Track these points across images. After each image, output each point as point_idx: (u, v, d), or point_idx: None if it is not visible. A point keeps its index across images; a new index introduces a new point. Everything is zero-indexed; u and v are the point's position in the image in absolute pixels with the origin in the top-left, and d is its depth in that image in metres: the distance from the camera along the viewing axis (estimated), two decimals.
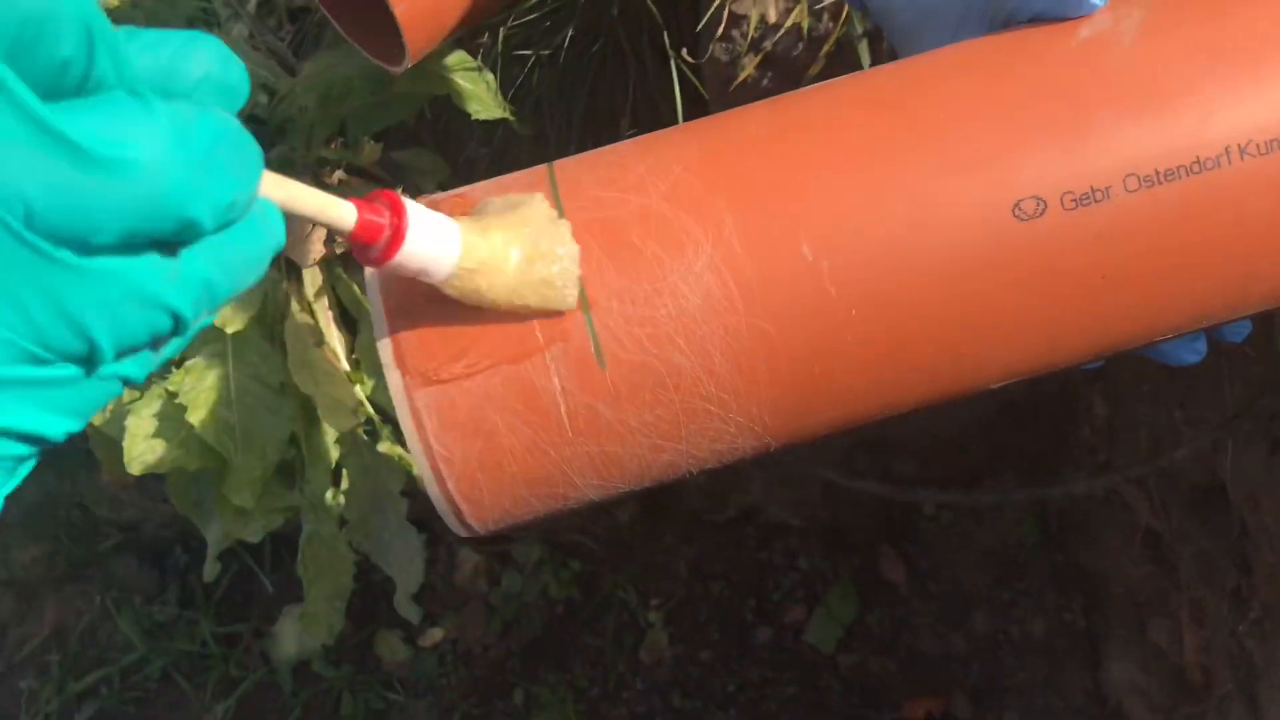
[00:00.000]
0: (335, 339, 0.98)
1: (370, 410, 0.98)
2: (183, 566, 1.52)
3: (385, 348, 0.38)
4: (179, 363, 0.92)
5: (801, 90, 0.42)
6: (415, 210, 0.34)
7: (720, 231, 0.38)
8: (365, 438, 0.99)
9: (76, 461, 1.35)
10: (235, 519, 0.92)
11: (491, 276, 0.36)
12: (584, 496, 0.40)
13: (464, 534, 0.41)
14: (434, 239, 0.34)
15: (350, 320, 1.03)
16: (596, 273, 0.38)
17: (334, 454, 0.98)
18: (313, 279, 1.00)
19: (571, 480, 0.39)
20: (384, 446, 0.98)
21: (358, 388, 0.97)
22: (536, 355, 0.37)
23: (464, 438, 0.37)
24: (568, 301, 0.37)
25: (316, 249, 1.00)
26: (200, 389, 0.89)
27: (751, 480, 1.43)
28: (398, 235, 0.33)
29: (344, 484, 1.00)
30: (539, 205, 0.37)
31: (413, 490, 1.38)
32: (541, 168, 0.42)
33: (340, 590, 0.98)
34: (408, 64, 0.76)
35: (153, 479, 1.34)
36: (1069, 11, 0.40)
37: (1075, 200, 0.38)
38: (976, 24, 0.43)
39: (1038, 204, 0.38)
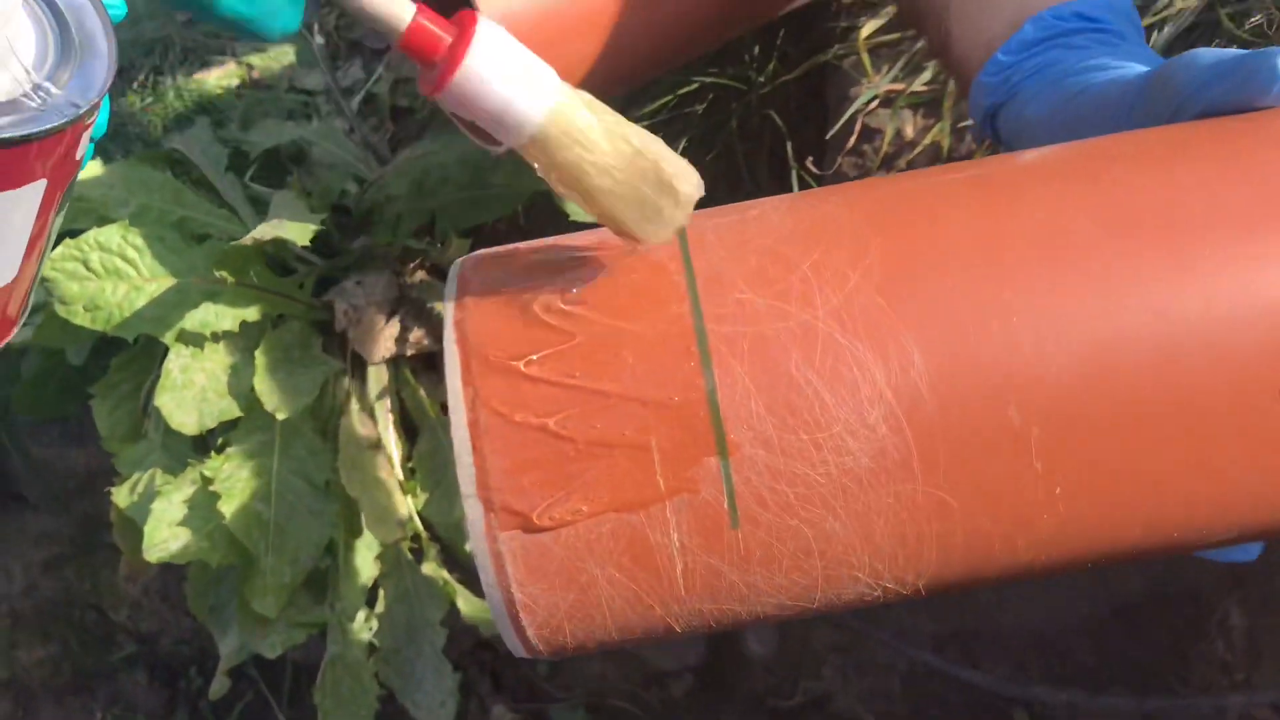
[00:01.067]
0: (393, 444, 0.90)
1: (419, 526, 0.88)
2: (195, 690, 1.40)
3: (466, 471, 0.31)
4: (220, 448, 0.84)
5: (1007, 168, 0.33)
6: (493, 31, 0.27)
7: (905, 372, 0.29)
8: (409, 556, 0.89)
9: (100, 559, 1.26)
10: (254, 628, 0.81)
11: (589, 154, 0.30)
12: (678, 638, 0.34)
13: (525, 656, 0.35)
14: (516, 68, 0.28)
15: (411, 427, 0.94)
16: (739, 407, 0.30)
17: (372, 571, 0.88)
18: (378, 377, 0.92)
19: (673, 630, 0.33)
20: (429, 569, 0.88)
21: (409, 499, 0.88)
22: (656, 505, 0.30)
23: (554, 589, 0.31)
24: (663, 236, 0.31)
25: (386, 345, 0.92)
26: (238, 478, 0.80)
27: (824, 663, 1.29)
28: (462, 43, 0.27)
29: (379, 607, 0.90)
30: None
31: (455, 624, 1.27)
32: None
33: None
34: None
35: (177, 586, 1.25)
36: (1255, 97, 0.32)
37: None
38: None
39: None
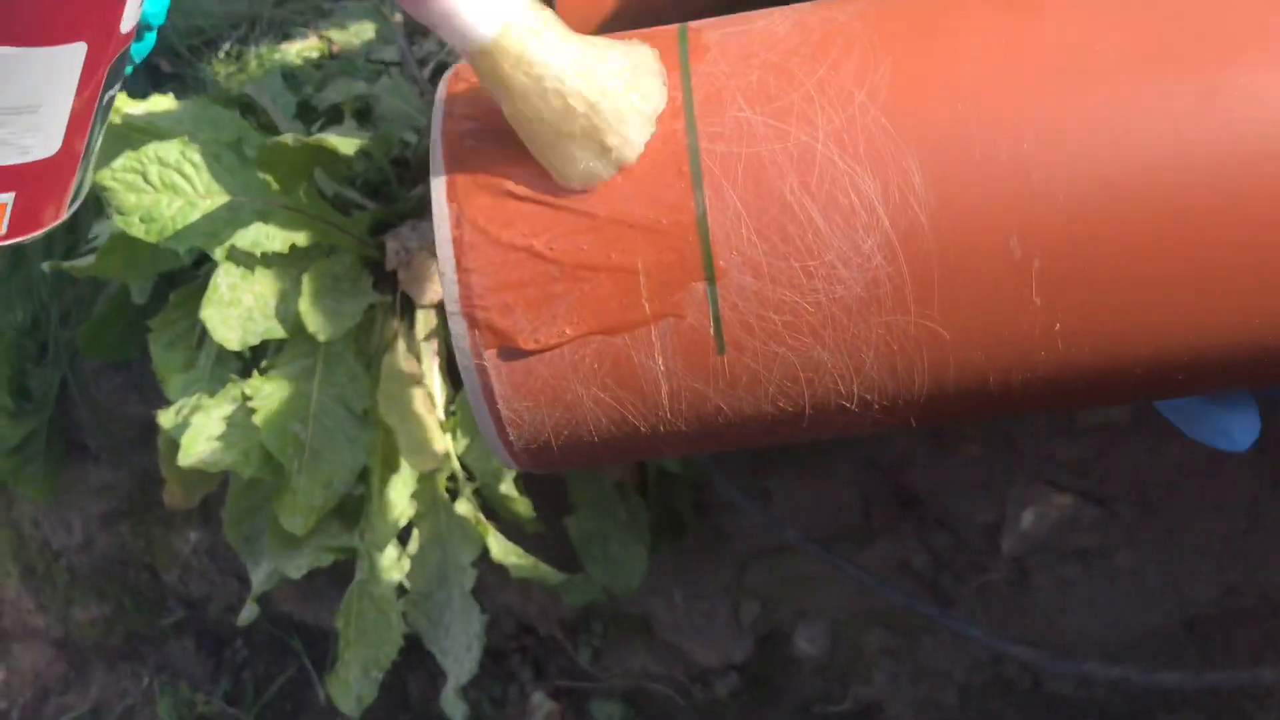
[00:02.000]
0: (436, 385, 0.89)
1: (456, 466, 0.87)
2: (240, 661, 1.40)
3: (450, 287, 0.31)
4: (263, 369, 0.84)
5: None
6: None
7: (905, 197, 0.28)
8: (445, 496, 0.88)
9: (154, 516, 1.27)
10: (282, 548, 0.81)
11: (554, 48, 0.30)
12: (666, 457, 0.35)
13: (515, 469, 0.36)
14: None
15: (456, 373, 0.94)
16: (729, 232, 0.29)
17: (407, 510, 0.87)
18: (426, 320, 0.92)
19: (659, 450, 0.33)
20: (463, 507, 0.86)
21: (448, 438, 0.87)
22: (641, 329, 0.30)
23: (539, 406, 0.31)
24: (580, 184, 0.30)
25: (436, 289, 0.92)
26: (277, 398, 0.80)
27: (877, 668, 1.24)
28: None
29: (411, 547, 0.89)
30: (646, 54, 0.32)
31: (496, 607, 1.25)
32: (668, 30, 0.33)
33: (380, 661, 0.85)
34: None
35: (225, 546, 1.25)
36: None
37: None
38: None
39: None
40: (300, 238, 0.82)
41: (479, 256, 0.31)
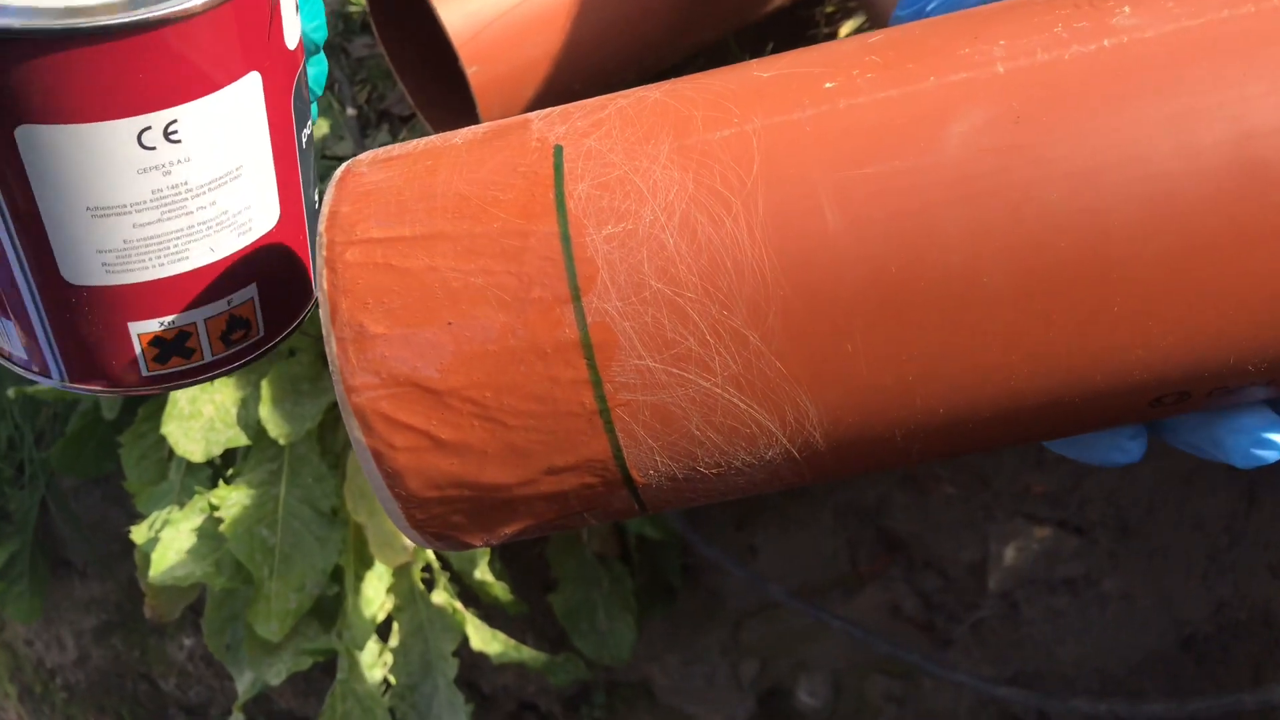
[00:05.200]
0: None
1: (431, 556, 0.88)
2: None
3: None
4: (229, 478, 0.85)
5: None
6: None
7: (802, 424, 0.31)
8: (422, 588, 0.88)
9: (146, 626, 1.27)
10: (260, 655, 0.81)
11: None
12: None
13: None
14: None
15: None
16: (643, 459, 0.31)
17: (385, 603, 0.87)
18: None
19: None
20: (439, 598, 0.86)
21: None
22: (575, 521, 0.32)
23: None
24: None
25: None
26: (244, 505, 0.81)
27: (881, 715, 1.23)
28: None
29: (392, 641, 0.89)
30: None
31: (496, 686, 1.24)
32: (539, 154, 0.33)
33: None
34: None
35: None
36: None
37: None
38: None
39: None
40: None
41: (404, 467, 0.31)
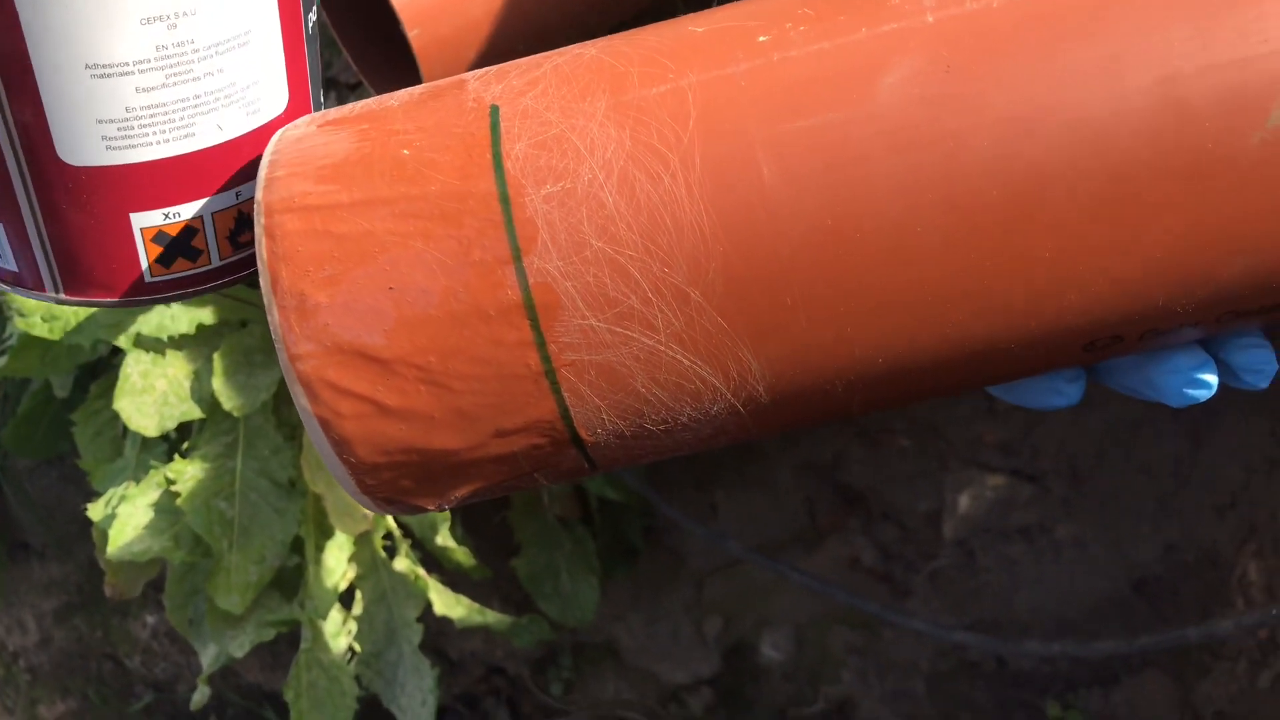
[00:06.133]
0: None
1: (392, 524, 0.88)
2: None
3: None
4: (184, 451, 0.84)
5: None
6: None
7: (745, 378, 0.31)
8: (383, 555, 0.88)
9: (108, 606, 1.27)
10: (223, 628, 0.81)
11: None
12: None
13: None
14: None
15: None
16: (590, 417, 0.31)
17: (347, 572, 0.87)
18: None
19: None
20: (401, 564, 0.87)
21: None
22: (525, 481, 0.33)
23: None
24: None
25: None
26: (200, 478, 0.81)
27: (844, 667, 1.25)
28: None
29: (356, 609, 0.89)
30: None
31: (465, 651, 1.25)
32: (475, 114, 0.33)
33: None
34: None
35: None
36: None
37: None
38: None
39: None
40: (206, 315, 0.83)
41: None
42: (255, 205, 0.32)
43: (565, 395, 0.30)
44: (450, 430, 0.31)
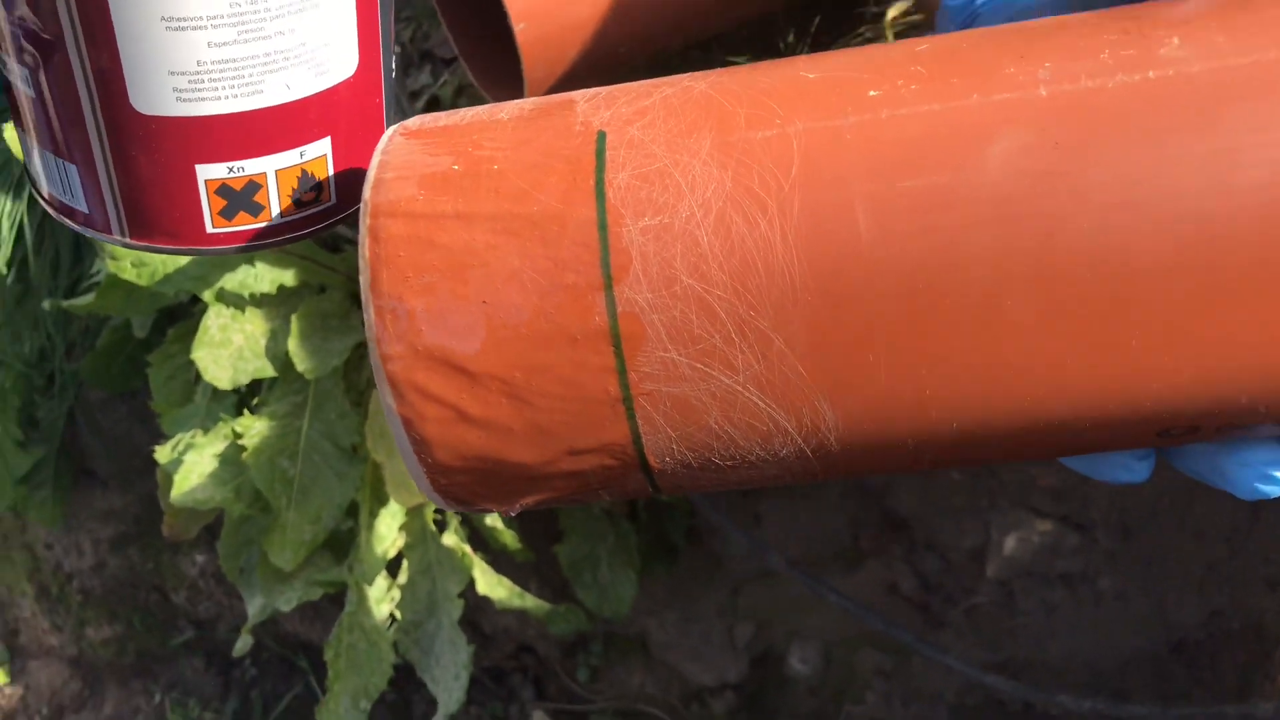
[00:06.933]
0: None
1: None
2: (248, 680, 1.43)
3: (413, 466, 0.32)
4: (254, 407, 0.87)
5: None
6: None
7: (818, 427, 0.32)
8: (433, 528, 0.90)
9: (162, 540, 1.30)
10: (273, 583, 0.83)
11: None
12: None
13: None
14: None
15: None
16: (661, 447, 0.32)
17: (397, 541, 0.89)
18: None
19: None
20: (450, 539, 0.89)
21: None
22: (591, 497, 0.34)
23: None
24: None
25: None
26: (267, 435, 0.83)
27: (869, 688, 1.25)
28: None
29: (401, 578, 0.91)
30: None
31: (497, 628, 1.27)
32: (582, 138, 0.34)
33: (369, 691, 0.87)
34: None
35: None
36: None
37: None
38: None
39: None
40: (288, 277, 0.85)
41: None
42: (362, 203, 0.33)
43: (640, 423, 0.31)
44: (526, 443, 0.32)
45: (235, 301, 0.84)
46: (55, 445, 1.17)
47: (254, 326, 0.85)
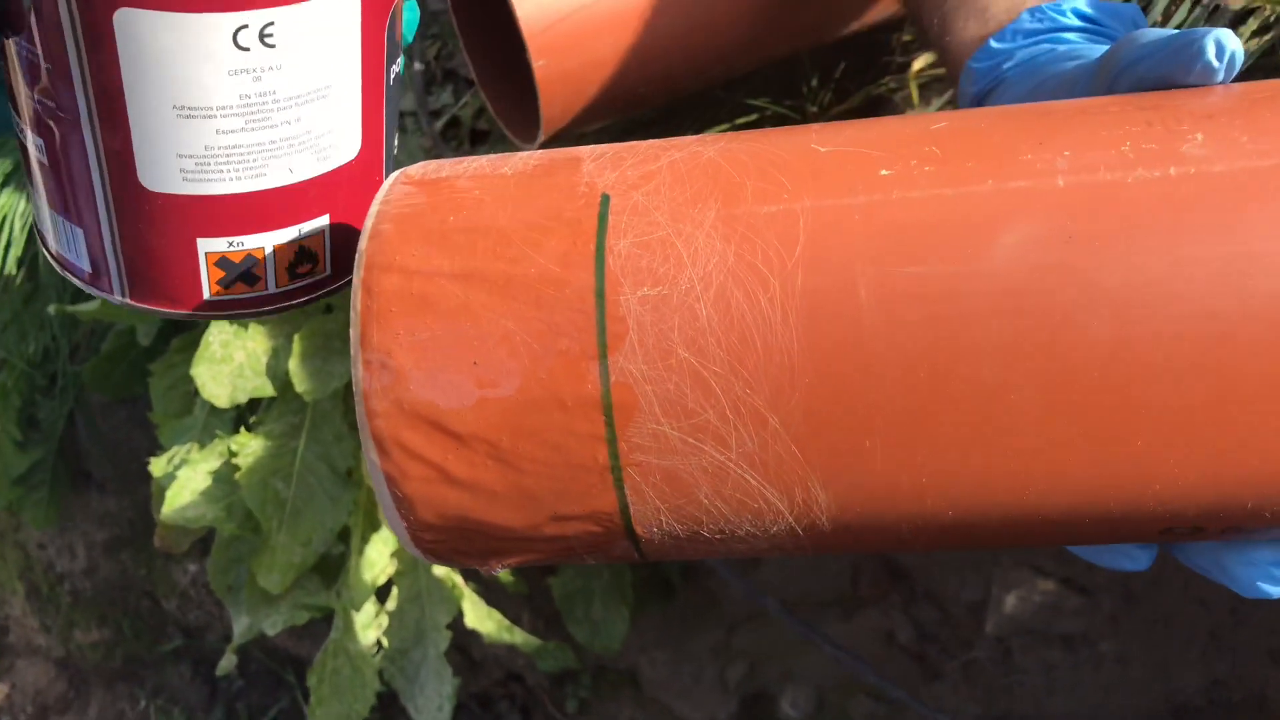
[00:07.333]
0: None
1: None
2: (234, 691, 1.42)
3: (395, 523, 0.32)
4: (251, 425, 0.86)
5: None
6: None
7: (810, 508, 0.31)
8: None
9: (154, 546, 1.30)
10: (259, 604, 0.82)
11: None
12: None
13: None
14: None
15: None
16: (649, 517, 0.31)
17: (388, 567, 0.88)
18: None
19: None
20: (440, 569, 0.87)
21: None
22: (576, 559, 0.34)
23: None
24: None
25: None
26: (262, 454, 0.82)
27: None
28: None
29: (390, 604, 0.90)
30: None
31: (484, 656, 1.26)
32: (586, 201, 0.33)
33: (351, 718, 0.86)
34: (540, 138, 0.72)
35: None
36: (1178, 75, 0.31)
37: None
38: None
39: None
40: None
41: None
42: (358, 254, 0.32)
43: (628, 492, 0.30)
44: (510, 507, 0.31)
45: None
46: (54, 446, 1.17)
47: (256, 344, 0.85)
